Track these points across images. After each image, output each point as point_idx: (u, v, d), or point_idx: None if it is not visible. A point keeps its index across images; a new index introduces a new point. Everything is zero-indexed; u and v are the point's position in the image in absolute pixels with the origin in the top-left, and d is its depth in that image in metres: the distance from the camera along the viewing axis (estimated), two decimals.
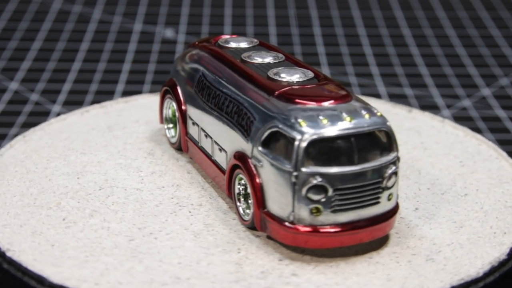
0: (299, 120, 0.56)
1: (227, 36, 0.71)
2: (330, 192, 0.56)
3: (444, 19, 1.25)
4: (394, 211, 0.59)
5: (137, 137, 0.74)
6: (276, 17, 1.25)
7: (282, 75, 0.61)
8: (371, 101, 0.76)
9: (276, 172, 0.56)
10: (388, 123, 0.57)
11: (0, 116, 0.93)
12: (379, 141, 0.57)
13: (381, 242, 0.60)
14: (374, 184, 0.56)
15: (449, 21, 1.24)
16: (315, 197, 0.56)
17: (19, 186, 0.67)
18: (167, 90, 0.70)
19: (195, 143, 0.67)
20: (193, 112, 0.67)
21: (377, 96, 0.98)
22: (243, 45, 0.68)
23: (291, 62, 0.64)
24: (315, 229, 0.57)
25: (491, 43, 1.16)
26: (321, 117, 0.56)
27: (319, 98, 0.58)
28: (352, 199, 0.56)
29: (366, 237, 0.58)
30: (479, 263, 0.57)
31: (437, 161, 0.71)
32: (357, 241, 0.58)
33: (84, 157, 0.71)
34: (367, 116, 0.57)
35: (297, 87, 0.60)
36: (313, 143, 0.56)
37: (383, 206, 0.57)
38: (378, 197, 0.57)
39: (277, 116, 0.57)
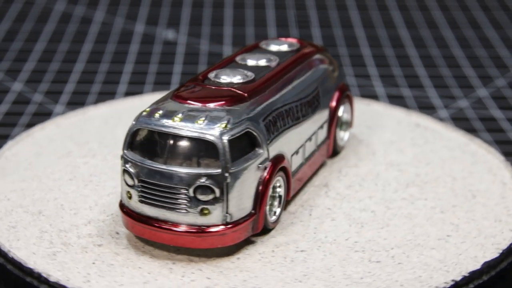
0: (146, 110, 0.59)
1: (281, 39, 0.74)
2: (136, 181, 0.57)
3: (441, 21, 1.26)
4: (212, 228, 0.57)
5: None
6: (276, 18, 1.26)
7: (223, 76, 0.62)
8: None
9: None
10: (224, 138, 0.56)
11: (4, 116, 0.94)
12: (200, 149, 0.56)
13: (223, 253, 0.59)
14: (178, 190, 0.56)
15: (446, 22, 1.25)
16: (128, 181, 0.58)
17: (75, 134, 0.78)
18: None
19: None
20: None
21: (375, 97, 0.99)
22: (283, 48, 0.71)
23: (275, 67, 0.65)
24: (129, 213, 0.59)
25: (487, 44, 1.16)
26: (160, 112, 0.58)
27: (204, 99, 0.59)
28: (153, 196, 0.57)
29: (172, 241, 0.58)
30: None
31: (433, 217, 0.66)
32: (157, 239, 0.58)
33: None
34: (200, 122, 0.57)
35: (205, 87, 0.61)
36: (136, 132, 0.58)
37: (194, 217, 0.57)
38: (184, 205, 0.56)
39: (152, 106, 0.60)
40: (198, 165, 0.56)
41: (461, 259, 0.60)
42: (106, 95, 0.99)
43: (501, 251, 0.61)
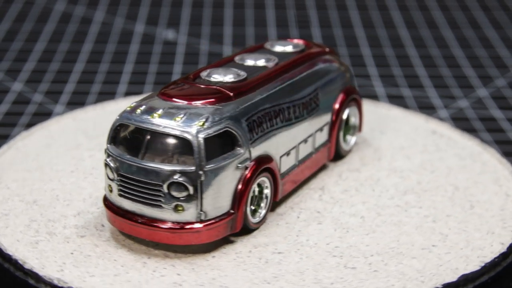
0: (131, 105, 0.59)
1: (288, 40, 0.73)
2: (115, 175, 0.58)
3: (441, 21, 1.26)
4: (187, 225, 0.57)
5: None
6: (276, 18, 1.26)
7: (214, 75, 0.63)
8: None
9: None
10: (200, 136, 0.56)
11: (4, 116, 0.94)
12: (176, 146, 0.57)
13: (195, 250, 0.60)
14: (153, 185, 0.57)
15: (446, 22, 1.25)
16: (109, 175, 0.59)
17: (89, 127, 0.79)
18: None
19: None
20: None
21: (375, 97, 0.99)
22: (288, 48, 0.71)
23: (271, 68, 0.65)
24: (109, 206, 0.60)
25: (487, 44, 1.16)
26: (142, 108, 0.58)
27: (189, 97, 0.59)
28: (130, 190, 0.58)
29: (149, 237, 0.58)
30: None
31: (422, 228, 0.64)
32: (135, 233, 0.59)
33: None
34: (178, 119, 0.57)
35: (193, 85, 0.61)
36: (119, 126, 0.59)
37: (168, 214, 0.57)
38: (159, 201, 0.57)
39: (137, 102, 0.61)
40: (175, 162, 0.57)
41: (441, 270, 0.58)
42: (106, 95, 0.99)
43: (483, 264, 0.59)
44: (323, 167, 0.72)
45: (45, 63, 1.08)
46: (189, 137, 0.56)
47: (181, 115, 0.57)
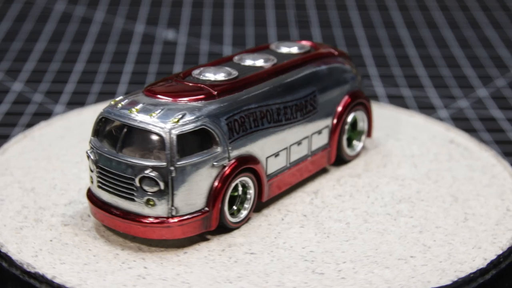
0: (115, 100, 0.61)
1: (298, 41, 0.73)
2: (95, 167, 0.59)
3: (441, 21, 1.26)
4: (159, 220, 0.58)
5: None
6: (276, 18, 1.26)
7: (205, 74, 0.63)
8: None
9: None
10: (173, 132, 0.57)
11: (4, 116, 0.94)
12: (150, 142, 0.57)
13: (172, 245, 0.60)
14: (126, 178, 0.58)
15: (446, 22, 1.25)
16: (90, 166, 0.60)
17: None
18: None
19: None
20: None
21: (375, 97, 0.99)
22: (293, 50, 0.70)
23: (267, 68, 0.65)
24: (90, 197, 0.61)
25: (487, 44, 1.17)
26: (123, 103, 0.60)
27: (172, 94, 0.60)
28: (107, 182, 0.59)
29: (121, 228, 0.59)
30: None
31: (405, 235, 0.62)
32: (112, 226, 0.60)
33: None
34: (154, 114, 0.58)
35: (179, 83, 0.62)
36: (101, 119, 0.60)
37: (141, 207, 0.58)
38: (132, 195, 0.58)
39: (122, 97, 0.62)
40: (150, 157, 0.57)
41: (411, 283, 0.56)
42: (106, 95, 0.99)
43: (455, 279, 0.56)
44: (323, 171, 0.71)
45: (45, 63, 1.08)
46: (161, 133, 0.57)
47: (158, 111, 0.58)
